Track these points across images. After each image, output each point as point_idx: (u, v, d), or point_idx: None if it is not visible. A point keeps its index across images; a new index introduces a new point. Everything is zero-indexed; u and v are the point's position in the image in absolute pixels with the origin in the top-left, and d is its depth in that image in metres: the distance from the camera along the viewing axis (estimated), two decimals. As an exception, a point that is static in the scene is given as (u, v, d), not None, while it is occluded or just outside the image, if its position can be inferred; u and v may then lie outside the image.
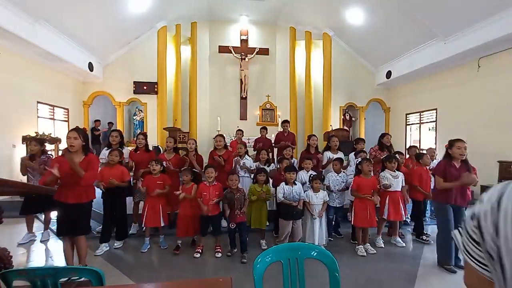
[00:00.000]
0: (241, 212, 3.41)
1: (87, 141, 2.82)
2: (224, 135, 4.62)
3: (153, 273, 3.06)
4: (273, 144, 5.81)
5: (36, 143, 3.95)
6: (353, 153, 4.53)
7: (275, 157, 6.08)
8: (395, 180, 3.71)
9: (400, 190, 3.76)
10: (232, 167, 4.29)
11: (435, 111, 8.04)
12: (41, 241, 3.93)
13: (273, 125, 9.33)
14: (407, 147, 4.71)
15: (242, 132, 5.87)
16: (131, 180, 4.15)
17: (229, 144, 5.32)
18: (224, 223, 4.27)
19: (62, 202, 2.70)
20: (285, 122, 5.69)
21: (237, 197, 3.42)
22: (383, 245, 3.70)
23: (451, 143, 3.10)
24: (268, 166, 4.41)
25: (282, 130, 5.72)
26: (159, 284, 1.73)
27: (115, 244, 3.67)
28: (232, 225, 3.41)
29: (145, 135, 4.31)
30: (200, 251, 3.44)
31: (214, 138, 4.46)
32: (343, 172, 4.12)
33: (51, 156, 4.07)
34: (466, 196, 3.09)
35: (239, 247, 3.49)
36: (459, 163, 3.07)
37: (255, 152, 5.49)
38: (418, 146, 8.43)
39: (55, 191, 2.73)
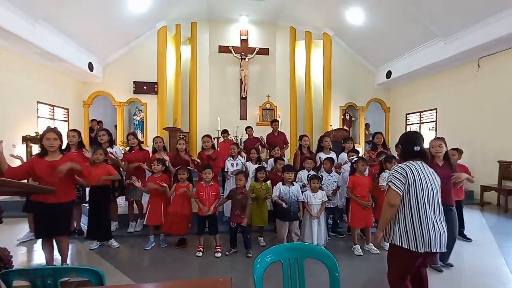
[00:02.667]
0: (241, 213, 3.39)
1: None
2: (211, 135, 4.61)
3: (153, 273, 3.06)
4: (265, 145, 5.79)
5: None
6: (345, 152, 4.51)
7: (266, 156, 6.06)
8: None
9: None
10: (222, 167, 4.34)
11: (435, 111, 8.05)
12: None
13: (273, 125, 9.32)
14: (395, 144, 4.57)
15: (228, 132, 5.99)
16: (124, 180, 4.16)
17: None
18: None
19: (40, 202, 2.65)
20: (273, 121, 5.71)
21: (238, 198, 3.41)
22: None
23: (429, 143, 3.09)
24: (260, 164, 4.40)
25: (271, 130, 5.68)
26: (159, 284, 1.73)
27: (113, 244, 3.67)
28: (233, 224, 3.42)
29: (134, 135, 4.34)
30: (202, 249, 3.46)
31: (202, 138, 4.46)
32: (335, 171, 4.11)
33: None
34: (451, 195, 2.97)
35: (240, 247, 3.51)
36: (441, 162, 3.01)
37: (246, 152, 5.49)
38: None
39: (55, 191, 2.73)
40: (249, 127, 6.02)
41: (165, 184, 3.62)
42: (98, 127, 9.25)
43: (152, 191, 3.67)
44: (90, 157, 3.53)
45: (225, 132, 6.06)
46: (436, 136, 7.95)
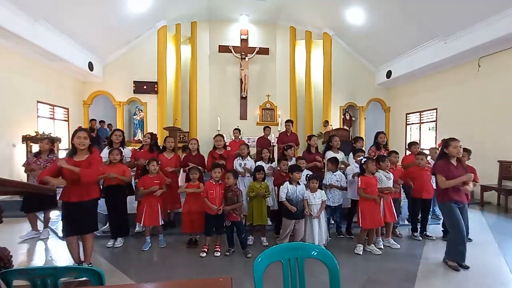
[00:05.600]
0: (234, 211, 3.42)
1: (91, 141, 2.88)
2: (224, 135, 4.64)
3: (153, 272, 3.06)
4: (275, 144, 5.83)
5: (48, 141, 4.09)
6: (351, 152, 4.52)
7: (275, 156, 6.09)
8: (389, 181, 3.70)
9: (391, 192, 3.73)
10: (233, 167, 4.30)
11: (435, 111, 8.05)
12: (40, 239, 3.95)
13: (273, 125, 9.31)
14: (408, 143, 4.64)
15: (239, 131, 5.92)
16: (133, 179, 4.16)
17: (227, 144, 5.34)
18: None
19: (66, 201, 2.75)
20: (288, 121, 5.71)
21: (229, 196, 3.44)
22: (382, 246, 3.68)
23: (447, 143, 3.12)
24: (271, 164, 4.41)
25: (285, 130, 5.72)
26: (159, 284, 1.73)
27: (116, 243, 3.68)
28: (228, 223, 3.46)
29: (152, 135, 4.41)
30: (206, 250, 3.46)
31: (214, 138, 4.49)
32: (339, 171, 4.11)
33: (58, 157, 4.11)
34: (466, 193, 3.11)
35: (239, 247, 3.51)
36: (455, 163, 3.09)
37: (256, 151, 5.52)
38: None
39: (54, 191, 2.75)
40: (267, 127, 5.97)
41: (158, 188, 3.65)
42: (99, 126, 9.27)
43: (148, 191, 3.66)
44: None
45: (236, 130, 5.94)
46: (436, 136, 7.96)
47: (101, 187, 3.59)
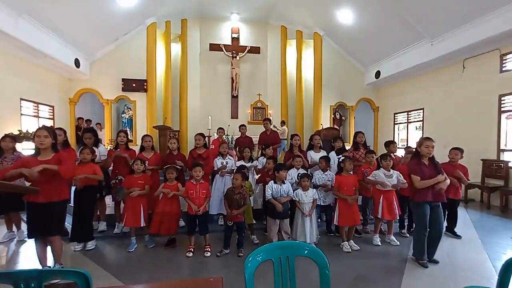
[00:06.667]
0: (238, 212, 3.41)
1: (56, 140, 2.74)
2: (214, 134, 4.62)
3: (142, 273, 3.01)
4: (256, 144, 5.81)
5: (10, 139, 3.83)
6: (334, 151, 4.57)
7: (258, 154, 6.10)
8: (389, 180, 3.72)
9: (394, 189, 3.75)
10: (213, 167, 4.29)
11: (422, 110, 8.24)
12: (17, 241, 3.85)
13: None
14: (384, 142, 4.58)
15: (224, 130, 5.91)
16: (110, 179, 4.09)
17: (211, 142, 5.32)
18: (219, 221, 4.30)
19: (32, 202, 2.61)
20: (265, 120, 5.72)
21: (236, 198, 3.42)
22: (379, 243, 3.74)
23: (421, 142, 3.15)
24: (252, 163, 4.45)
25: (264, 129, 5.70)
26: (149, 285, 1.70)
27: (88, 245, 3.56)
28: (230, 223, 3.43)
29: (125, 133, 4.32)
30: (192, 250, 3.43)
31: (194, 137, 4.44)
32: (329, 170, 4.15)
33: (21, 155, 3.88)
34: (442, 193, 3.12)
35: (231, 247, 3.50)
36: (427, 162, 3.13)
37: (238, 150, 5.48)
38: (406, 144, 8.66)
39: (38, 191, 2.64)
40: (242, 125, 5.93)
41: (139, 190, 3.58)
42: (85, 125, 9.05)
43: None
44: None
45: (221, 129, 5.89)
46: (422, 135, 8.15)
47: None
